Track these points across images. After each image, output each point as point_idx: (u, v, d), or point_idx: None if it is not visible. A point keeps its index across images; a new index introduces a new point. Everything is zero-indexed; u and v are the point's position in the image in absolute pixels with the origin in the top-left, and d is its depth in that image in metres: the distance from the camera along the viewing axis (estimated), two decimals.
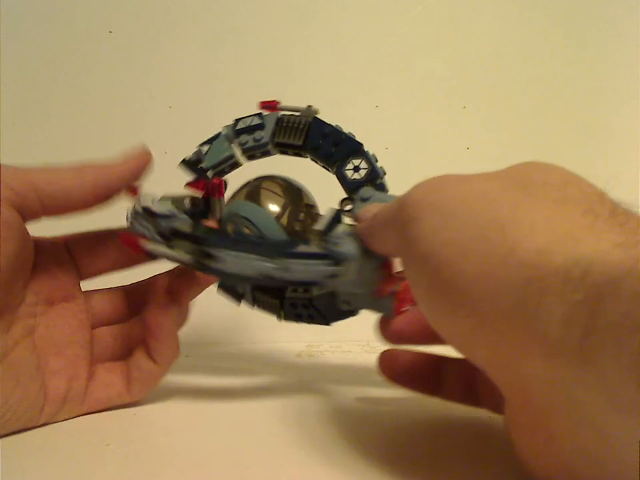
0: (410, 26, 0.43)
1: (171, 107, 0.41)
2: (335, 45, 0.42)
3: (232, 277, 0.22)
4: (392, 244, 0.20)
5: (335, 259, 0.22)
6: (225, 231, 0.25)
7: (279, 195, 0.26)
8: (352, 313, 0.26)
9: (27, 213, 0.22)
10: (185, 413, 0.26)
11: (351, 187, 0.26)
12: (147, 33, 0.41)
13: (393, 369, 0.25)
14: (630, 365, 0.11)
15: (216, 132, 0.29)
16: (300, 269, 0.22)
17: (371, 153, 0.26)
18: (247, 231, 0.24)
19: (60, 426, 0.23)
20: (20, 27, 0.40)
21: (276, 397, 0.27)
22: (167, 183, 0.25)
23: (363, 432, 0.23)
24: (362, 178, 0.26)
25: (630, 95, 0.45)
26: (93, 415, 0.25)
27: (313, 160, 0.27)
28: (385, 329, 0.25)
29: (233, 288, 0.28)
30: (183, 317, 0.26)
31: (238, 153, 0.28)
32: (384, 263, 0.23)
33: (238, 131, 0.28)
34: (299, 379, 0.31)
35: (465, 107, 0.44)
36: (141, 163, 0.25)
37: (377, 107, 0.43)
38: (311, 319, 0.26)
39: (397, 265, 0.24)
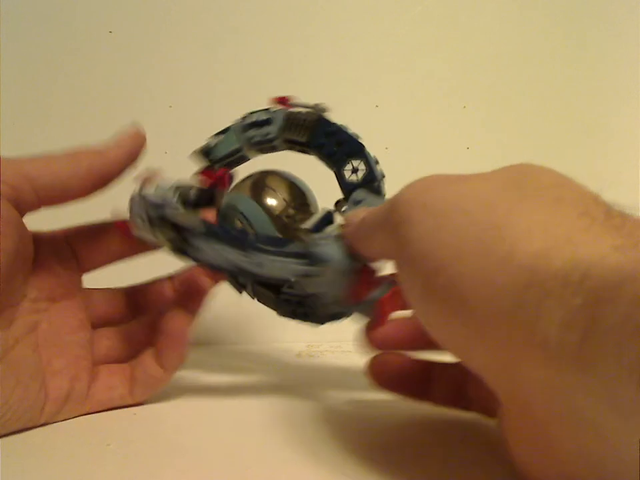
0: (410, 26, 0.43)
1: (171, 107, 0.41)
2: (335, 44, 0.42)
3: (208, 267, 0.23)
4: (383, 247, 0.20)
5: (312, 259, 0.22)
6: (221, 221, 0.25)
7: (278, 191, 0.26)
8: (341, 315, 0.26)
9: (23, 206, 0.22)
10: (185, 412, 0.26)
11: (347, 188, 0.26)
12: (147, 32, 0.41)
13: (381, 374, 0.24)
14: (630, 368, 0.11)
15: (216, 132, 0.29)
16: (272, 265, 0.22)
17: (372, 155, 0.26)
18: (239, 223, 0.25)
19: (60, 426, 0.23)
20: (20, 27, 0.40)
21: (276, 397, 0.27)
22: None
23: (363, 432, 0.23)
24: (358, 180, 0.26)
25: (630, 95, 0.45)
26: (93, 414, 0.25)
27: (317, 158, 0.27)
28: (369, 336, 0.24)
29: (236, 278, 0.28)
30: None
31: (246, 146, 0.28)
32: (361, 268, 0.23)
33: (247, 124, 0.28)
34: (299, 379, 0.31)
35: (465, 107, 0.44)
36: (136, 145, 0.24)
37: (377, 106, 0.43)
38: (304, 317, 0.26)
39: (382, 270, 0.24)
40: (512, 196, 0.16)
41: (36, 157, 0.23)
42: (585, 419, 0.13)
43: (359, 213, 0.22)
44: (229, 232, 0.23)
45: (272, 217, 0.25)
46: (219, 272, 0.25)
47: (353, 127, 0.27)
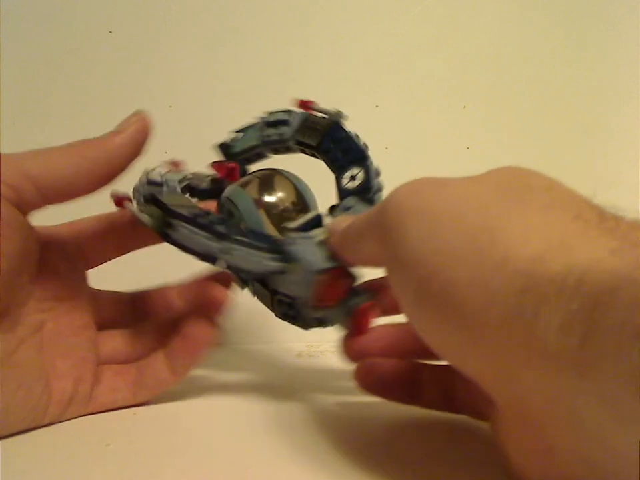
0: (410, 26, 0.43)
1: (171, 107, 0.41)
2: (335, 45, 0.42)
3: (184, 249, 0.23)
4: (372, 252, 0.20)
5: (283, 257, 0.23)
6: (220, 211, 0.26)
7: (279, 190, 0.26)
8: (325, 321, 0.25)
9: (26, 206, 0.21)
10: (185, 412, 0.26)
11: (342, 195, 0.26)
12: (147, 32, 0.41)
13: (369, 379, 0.24)
14: (630, 372, 0.11)
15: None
16: (242, 256, 0.22)
17: (375, 167, 0.26)
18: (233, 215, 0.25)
19: (60, 426, 0.23)
20: (20, 27, 0.40)
21: (276, 397, 0.27)
22: None
23: (363, 432, 0.23)
24: (354, 188, 0.26)
25: (630, 94, 0.45)
26: (93, 414, 0.25)
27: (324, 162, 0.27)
28: (346, 346, 0.24)
29: (239, 274, 0.28)
30: None
31: (263, 144, 0.29)
32: (334, 271, 0.23)
33: (268, 123, 0.29)
34: (299, 379, 0.31)
35: (465, 107, 0.44)
36: (141, 133, 0.23)
37: (377, 106, 0.43)
38: (293, 320, 0.26)
39: (362, 277, 0.24)
40: (503, 199, 0.16)
41: (37, 152, 0.22)
42: (584, 422, 0.13)
43: (345, 220, 0.22)
44: (208, 216, 0.23)
45: (268, 214, 0.25)
46: (194, 256, 0.24)
47: (353, 127, 0.27)
